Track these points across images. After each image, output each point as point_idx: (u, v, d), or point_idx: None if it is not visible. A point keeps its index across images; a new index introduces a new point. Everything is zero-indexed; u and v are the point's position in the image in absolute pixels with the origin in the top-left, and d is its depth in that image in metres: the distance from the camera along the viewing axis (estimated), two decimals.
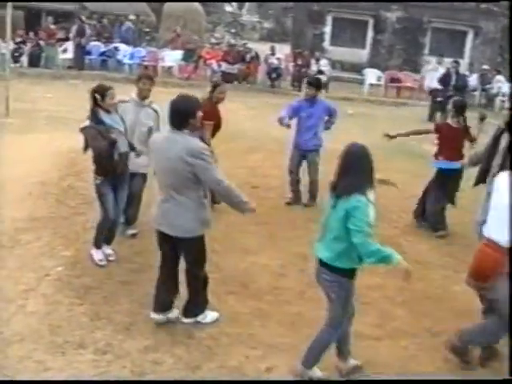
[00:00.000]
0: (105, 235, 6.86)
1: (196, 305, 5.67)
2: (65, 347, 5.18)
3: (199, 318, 5.67)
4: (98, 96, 6.53)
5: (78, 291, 6.14)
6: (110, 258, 6.87)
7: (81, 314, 5.74)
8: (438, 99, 16.79)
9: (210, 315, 5.74)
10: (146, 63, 23.70)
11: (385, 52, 29.43)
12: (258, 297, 6.26)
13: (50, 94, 17.23)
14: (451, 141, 8.47)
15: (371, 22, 29.56)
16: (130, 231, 7.51)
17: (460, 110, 8.68)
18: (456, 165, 8.38)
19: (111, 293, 6.17)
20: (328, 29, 29.80)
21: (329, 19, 29.64)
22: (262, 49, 25.02)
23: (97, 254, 6.78)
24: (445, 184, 8.53)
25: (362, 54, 29.65)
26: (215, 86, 8.70)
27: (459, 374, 4.74)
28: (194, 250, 5.42)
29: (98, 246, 6.83)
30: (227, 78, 22.96)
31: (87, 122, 6.52)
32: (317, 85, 9.32)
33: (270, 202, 9.37)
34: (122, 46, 24.01)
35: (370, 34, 29.80)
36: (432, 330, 5.72)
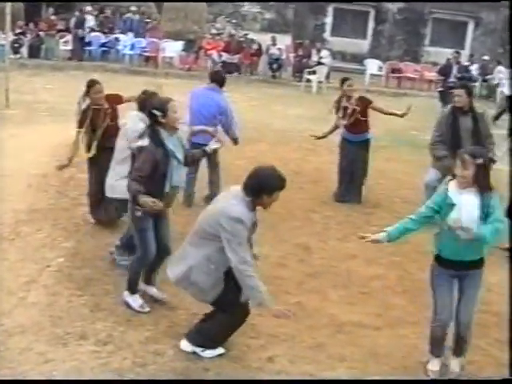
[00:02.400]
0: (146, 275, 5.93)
1: (202, 337, 5.13)
2: (66, 338, 5.18)
3: (197, 350, 5.12)
4: (158, 113, 5.32)
5: (79, 282, 6.14)
6: (160, 298, 5.89)
7: (82, 305, 5.74)
8: (438, 89, 16.76)
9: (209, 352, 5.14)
10: (146, 54, 23.68)
11: (386, 43, 29.33)
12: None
13: (51, 86, 17.21)
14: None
15: (372, 12, 29.45)
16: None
17: None
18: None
19: (112, 284, 6.17)
20: (329, 19, 29.68)
21: (330, 10, 29.53)
22: (263, 39, 24.96)
23: (134, 302, 5.70)
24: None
25: (363, 45, 29.56)
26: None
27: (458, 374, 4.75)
28: None
29: (133, 290, 5.74)
30: (228, 68, 22.95)
31: (146, 141, 5.33)
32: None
33: None
34: (123, 37, 23.96)
35: (370, 24, 29.70)
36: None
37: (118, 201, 6.49)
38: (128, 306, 5.69)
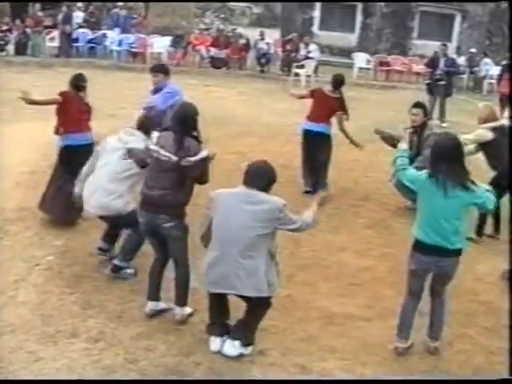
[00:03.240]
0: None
1: (251, 333, 5.17)
2: (57, 337, 5.18)
3: (244, 350, 5.12)
4: (197, 119, 5.56)
5: (69, 280, 6.14)
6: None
7: (72, 303, 5.74)
8: (426, 82, 16.81)
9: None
10: (134, 50, 23.61)
11: (374, 36, 29.33)
12: None
13: (39, 83, 17.12)
14: (321, 106, 9.07)
15: (360, 6, 29.43)
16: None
17: (338, 83, 9.21)
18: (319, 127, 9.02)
19: (102, 281, 6.17)
20: (317, 13, 29.65)
21: (318, 4, 29.50)
22: (252, 34, 24.94)
23: (189, 309, 5.62)
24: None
25: (351, 38, 29.56)
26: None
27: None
28: None
29: (186, 302, 5.59)
30: (216, 63, 22.96)
31: (206, 152, 5.46)
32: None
33: None
34: (110, 33, 23.88)
35: (358, 18, 29.67)
36: (421, 309, 5.74)
37: (111, 218, 6.34)
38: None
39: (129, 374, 4.77)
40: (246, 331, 5.12)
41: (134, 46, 23.73)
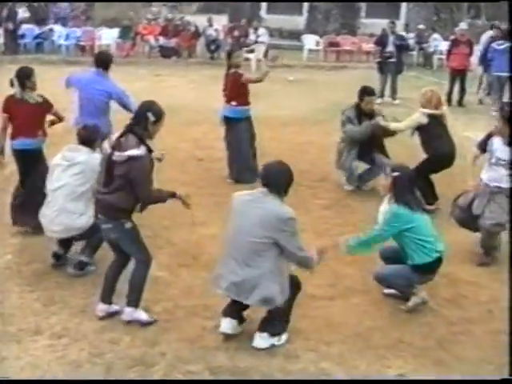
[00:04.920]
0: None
1: (279, 322, 5.14)
2: (19, 335, 5.14)
3: (275, 341, 5.11)
4: (152, 118, 5.15)
5: (29, 278, 6.09)
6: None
7: (33, 300, 5.69)
8: (376, 60, 16.94)
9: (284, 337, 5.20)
10: (82, 43, 23.30)
11: (322, 17, 29.35)
12: (210, 267, 6.24)
13: None
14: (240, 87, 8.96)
15: None
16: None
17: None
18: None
19: (63, 277, 6.14)
20: None
21: None
22: (200, 21, 24.78)
23: (142, 315, 5.38)
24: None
25: (300, 21, 29.57)
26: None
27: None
28: None
29: (138, 304, 5.38)
30: (166, 52, 22.80)
31: (143, 149, 5.05)
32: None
33: (216, 173, 9.46)
34: (57, 28, 23.51)
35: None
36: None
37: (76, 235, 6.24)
38: (132, 321, 5.35)
39: (95, 368, 4.75)
40: (271, 321, 5.09)
41: (81, 39, 23.42)
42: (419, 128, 8.12)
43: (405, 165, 6.09)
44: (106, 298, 5.49)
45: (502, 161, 6.65)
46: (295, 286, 5.13)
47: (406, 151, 9.32)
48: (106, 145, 5.26)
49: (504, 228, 6.78)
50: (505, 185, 6.67)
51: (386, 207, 5.70)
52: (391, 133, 8.54)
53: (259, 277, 4.84)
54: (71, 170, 6.10)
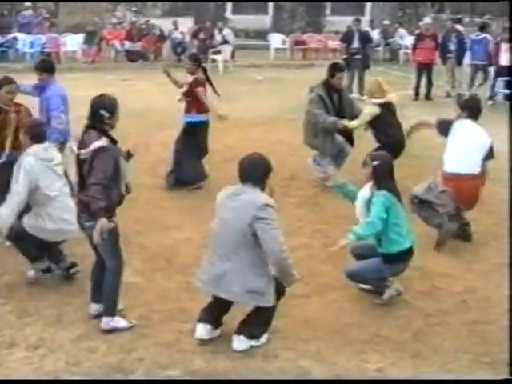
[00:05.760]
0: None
1: (259, 325, 5.15)
2: None
3: (253, 342, 5.11)
4: (106, 114, 5.11)
5: (2, 290, 6.01)
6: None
7: (7, 312, 5.62)
8: (343, 57, 17.01)
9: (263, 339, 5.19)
10: (47, 50, 23.06)
11: (287, 16, 29.45)
12: (184, 271, 6.28)
13: None
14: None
15: None
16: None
17: (197, 61, 9.37)
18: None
19: (38, 287, 6.07)
20: None
21: None
22: (166, 24, 24.71)
23: (119, 323, 5.32)
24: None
25: (265, 20, 29.63)
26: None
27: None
28: None
29: (114, 312, 5.33)
30: (132, 56, 22.70)
31: (105, 140, 5.06)
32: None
33: None
34: (21, 35, 23.25)
35: None
36: None
37: None
38: (112, 331, 5.27)
39: (73, 378, 4.71)
40: (248, 325, 5.09)
41: (46, 46, 23.16)
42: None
43: (384, 152, 6.17)
44: (96, 297, 5.48)
45: None
46: (280, 291, 5.12)
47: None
48: (74, 146, 5.25)
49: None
50: None
51: (366, 192, 5.80)
52: (350, 130, 8.73)
53: (241, 269, 4.85)
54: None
